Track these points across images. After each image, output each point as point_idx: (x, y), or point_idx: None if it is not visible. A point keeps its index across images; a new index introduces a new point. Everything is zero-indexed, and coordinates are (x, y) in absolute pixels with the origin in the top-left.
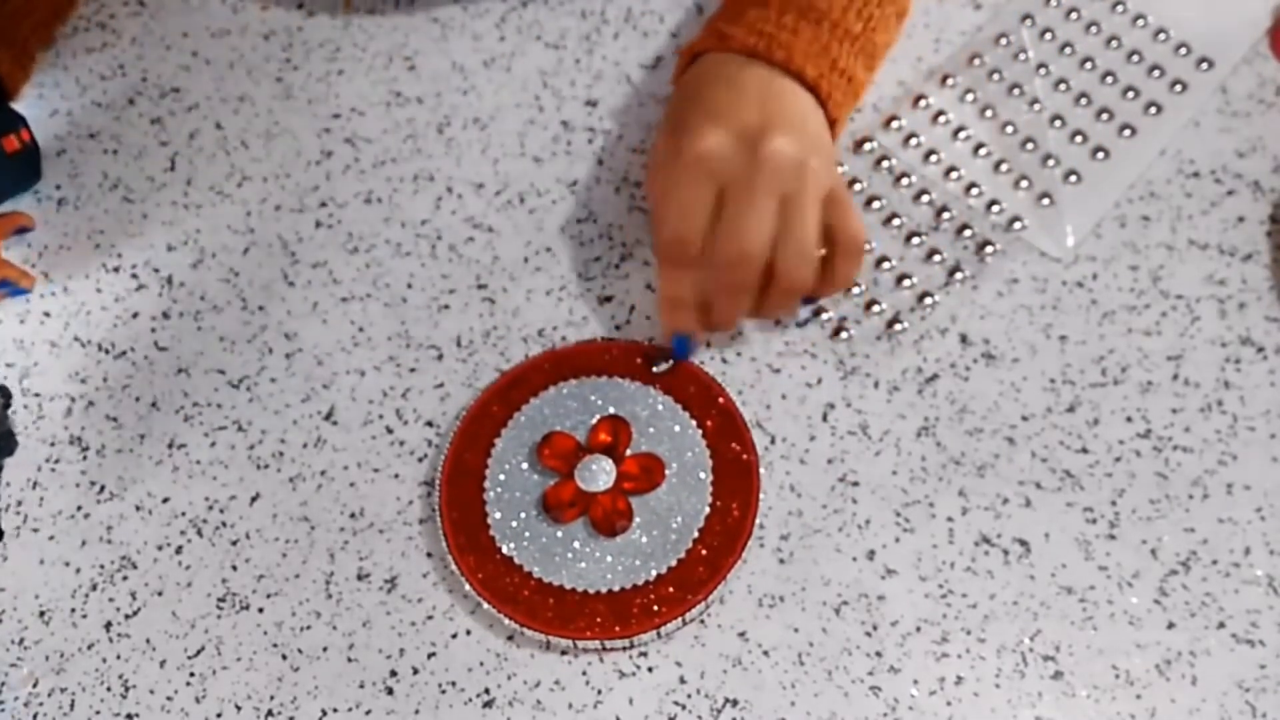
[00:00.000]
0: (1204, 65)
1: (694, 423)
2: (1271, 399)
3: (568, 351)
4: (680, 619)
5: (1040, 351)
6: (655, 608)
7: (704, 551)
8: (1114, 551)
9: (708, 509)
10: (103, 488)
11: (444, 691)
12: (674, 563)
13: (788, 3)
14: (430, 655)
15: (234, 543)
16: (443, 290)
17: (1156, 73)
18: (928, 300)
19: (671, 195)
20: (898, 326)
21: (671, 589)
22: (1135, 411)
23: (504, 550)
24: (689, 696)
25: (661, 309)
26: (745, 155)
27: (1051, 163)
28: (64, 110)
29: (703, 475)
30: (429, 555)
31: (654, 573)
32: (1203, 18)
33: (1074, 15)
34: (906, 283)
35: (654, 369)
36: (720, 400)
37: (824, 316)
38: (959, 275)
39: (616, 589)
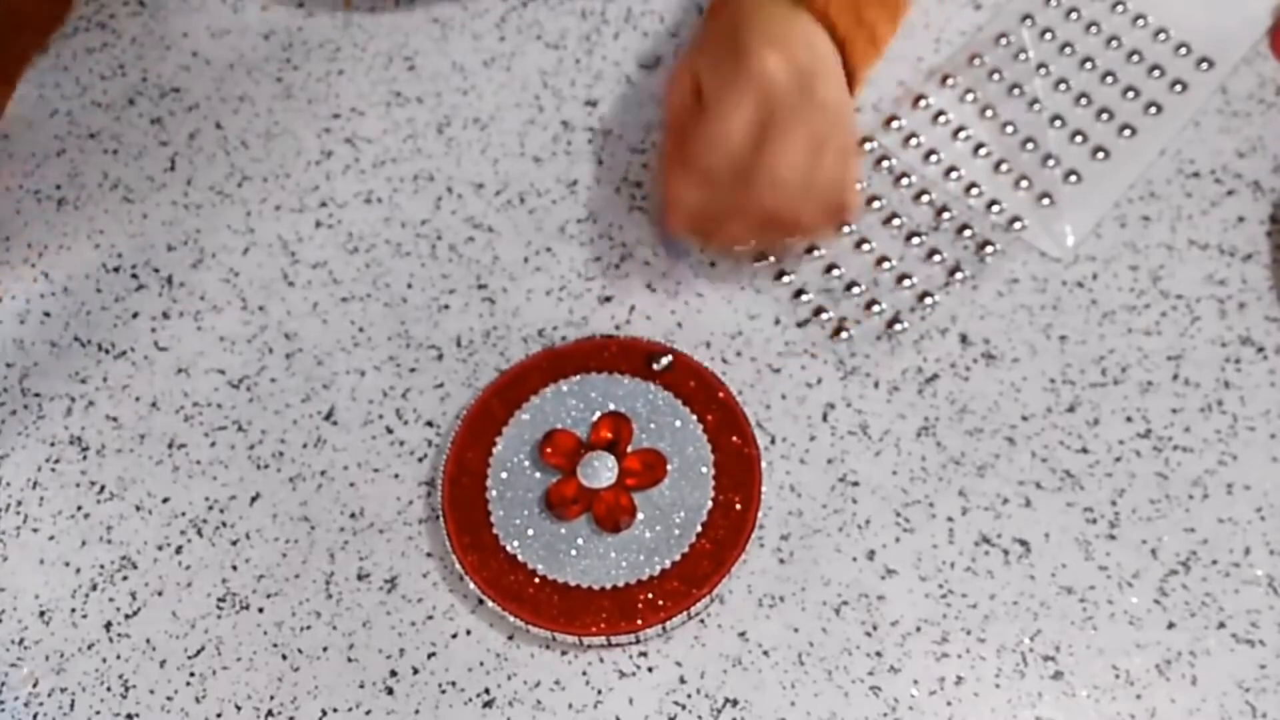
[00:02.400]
0: (1204, 65)
1: (694, 417)
2: (1271, 399)
3: (567, 349)
4: (685, 613)
5: (1040, 351)
6: (660, 602)
7: (708, 545)
8: (1114, 551)
9: (710, 503)
10: (103, 488)
11: (444, 691)
12: (678, 557)
13: None
14: (430, 655)
15: (234, 543)
16: (443, 290)
17: (1157, 73)
18: (928, 300)
19: (726, 104)
20: (898, 326)
21: (676, 583)
22: (1135, 411)
23: (508, 548)
24: (689, 696)
25: (665, 210)
26: (800, 89)
27: (1051, 163)
28: (64, 110)
29: (704, 470)
30: (429, 555)
31: (658, 567)
32: (1203, 18)
33: (1074, 15)
34: (906, 282)
35: (653, 366)
36: (720, 395)
37: (824, 316)
38: (959, 275)
39: (621, 584)
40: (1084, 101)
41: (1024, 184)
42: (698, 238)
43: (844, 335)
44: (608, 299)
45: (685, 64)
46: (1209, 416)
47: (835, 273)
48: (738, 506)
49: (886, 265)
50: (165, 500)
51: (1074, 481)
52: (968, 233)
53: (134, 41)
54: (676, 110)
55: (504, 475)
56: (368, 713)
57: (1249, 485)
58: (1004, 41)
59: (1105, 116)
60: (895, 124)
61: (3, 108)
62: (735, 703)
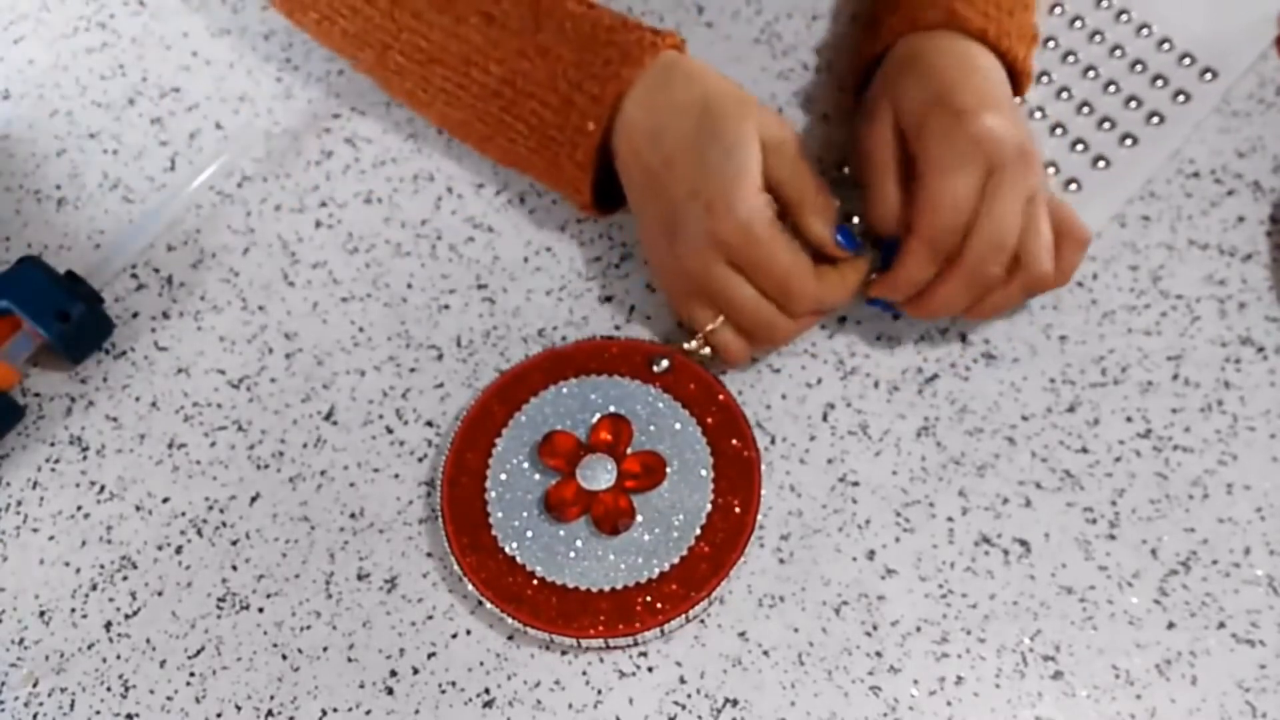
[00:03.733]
0: (1208, 75)
1: (694, 420)
2: (1271, 399)
3: (568, 350)
4: (684, 616)
5: (1040, 351)
6: (659, 605)
7: (706, 548)
8: (1114, 551)
9: (709, 506)
10: (103, 488)
11: (444, 691)
12: (677, 560)
13: None
14: (430, 655)
15: (234, 543)
16: (443, 290)
17: (1160, 82)
18: None
19: (951, 179)
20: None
21: (675, 586)
22: (1135, 411)
23: (506, 550)
24: (689, 696)
25: (889, 282)
26: (1014, 141)
27: (1053, 170)
28: (64, 110)
29: (704, 472)
30: (429, 555)
31: (657, 570)
32: (1207, 27)
33: (1077, 24)
34: None
35: (653, 368)
36: (720, 397)
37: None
38: None
39: (620, 587)
40: (1086, 110)
41: None
42: (906, 304)
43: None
44: (608, 299)
45: (884, 102)
46: (1209, 416)
47: None
48: (737, 509)
49: None
50: (165, 500)
51: (1074, 481)
52: None
53: (134, 41)
54: (881, 150)
55: (503, 476)
56: (368, 713)
57: (1249, 485)
58: None
59: (1107, 125)
60: None
61: None
62: (735, 703)
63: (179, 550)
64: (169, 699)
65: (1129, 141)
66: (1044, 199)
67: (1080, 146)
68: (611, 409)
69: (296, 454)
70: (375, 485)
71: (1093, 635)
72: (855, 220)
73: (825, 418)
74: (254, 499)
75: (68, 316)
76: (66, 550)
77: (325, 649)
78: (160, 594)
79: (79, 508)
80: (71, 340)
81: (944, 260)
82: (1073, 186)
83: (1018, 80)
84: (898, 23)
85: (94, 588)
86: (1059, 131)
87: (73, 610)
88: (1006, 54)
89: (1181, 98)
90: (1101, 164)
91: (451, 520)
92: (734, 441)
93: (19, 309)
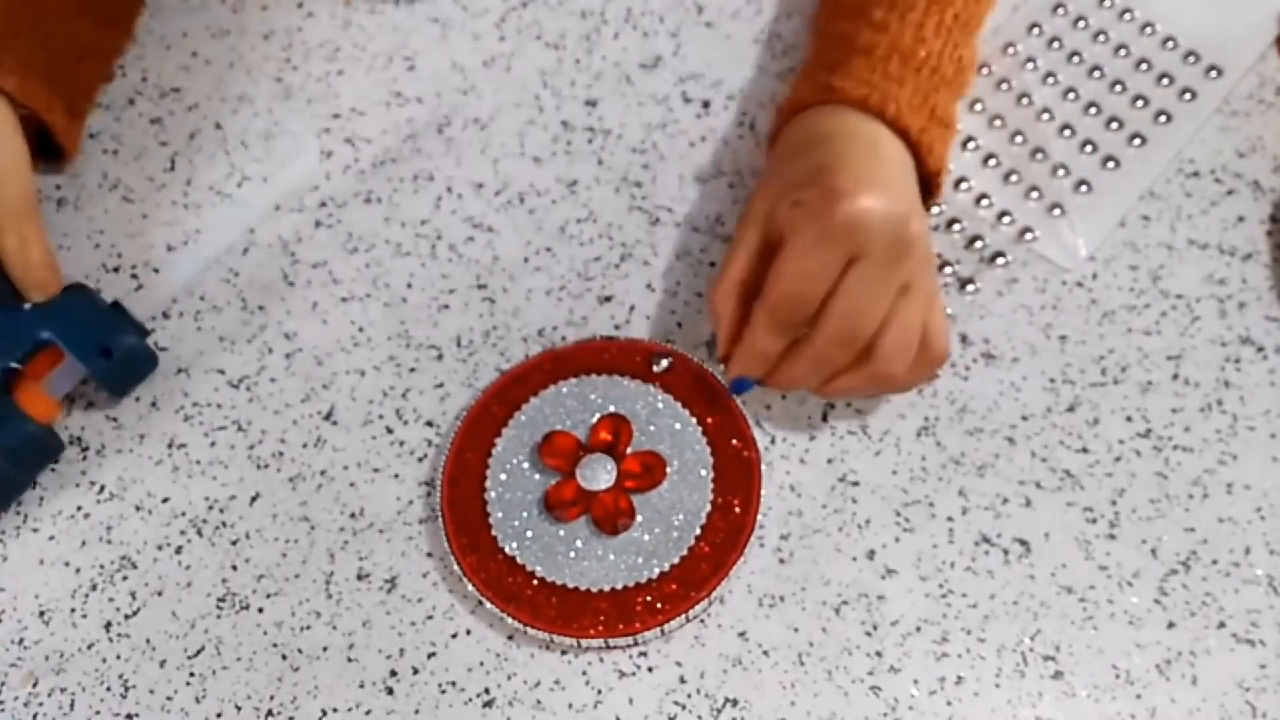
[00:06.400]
0: (1213, 73)
1: (694, 420)
2: (1271, 399)
3: (567, 351)
4: (684, 616)
5: (1040, 351)
6: (658, 605)
7: (706, 548)
8: (1114, 551)
9: (709, 506)
10: (103, 488)
11: (444, 691)
12: (676, 560)
13: (891, 49)
14: (430, 655)
15: (234, 543)
16: (443, 290)
17: (1165, 81)
18: None
19: (807, 255)
20: None
21: (674, 586)
22: (1135, 411)
23: (506, 550)
24: (689, 696)
25: (739, 355)
26: (890, 229)
27: (1061, 173)
28: None
29: (704, 472)
30: (429, 555)
31: (656, 570)
32: (1211, 25)
33: (1082, 23)
34: None
35: (653, 368)
36: (720, 397)
37: None
38: (970, 288)
39: (619, 587)
40: (1093, 110)
41: (1034, 194)
42: (765, 380)
43: None
44: (608, 299)
45: (761, 199)
46: (1209, 416)
47: None
48: (737, 509)
49: None
50: (165, 500)
51: (1074, 481)
52: (979, 244)
53: (134, 41)
54: (750, 250)
55: (503, 477)
56: (368, 713)
57: (1249, 485)
58: (1012, 50)
59: (1115, 125)
60: None
61: (76, 142)
62: (735, 703)
63: (179, 550)
64: (169, 699)
65: (1137, 141)
66: (927, 297)
67: (1090, 148)
68: (611, 409)
69: (296, 454)
70: (375, 485)
71: (1093, 635)
72: None
73: (825, 418)
74: (254, 499)
75: (110, 352)
76: (66, 550)
77: (325, 649)
78: (160, 594)
79: (79, 508)
80: (114, 376)
81: (794, 337)
82: (1083, 188)
83: (920, 157)
84: (785, 103)
85: (94, 588)
86: (1068, 133)
87: (73, 610)
88: (895, 123)
89: (1188, 95)
90: (1111, 164)
91: (451, 520)
92: (734, 441)
93: (61, 341)
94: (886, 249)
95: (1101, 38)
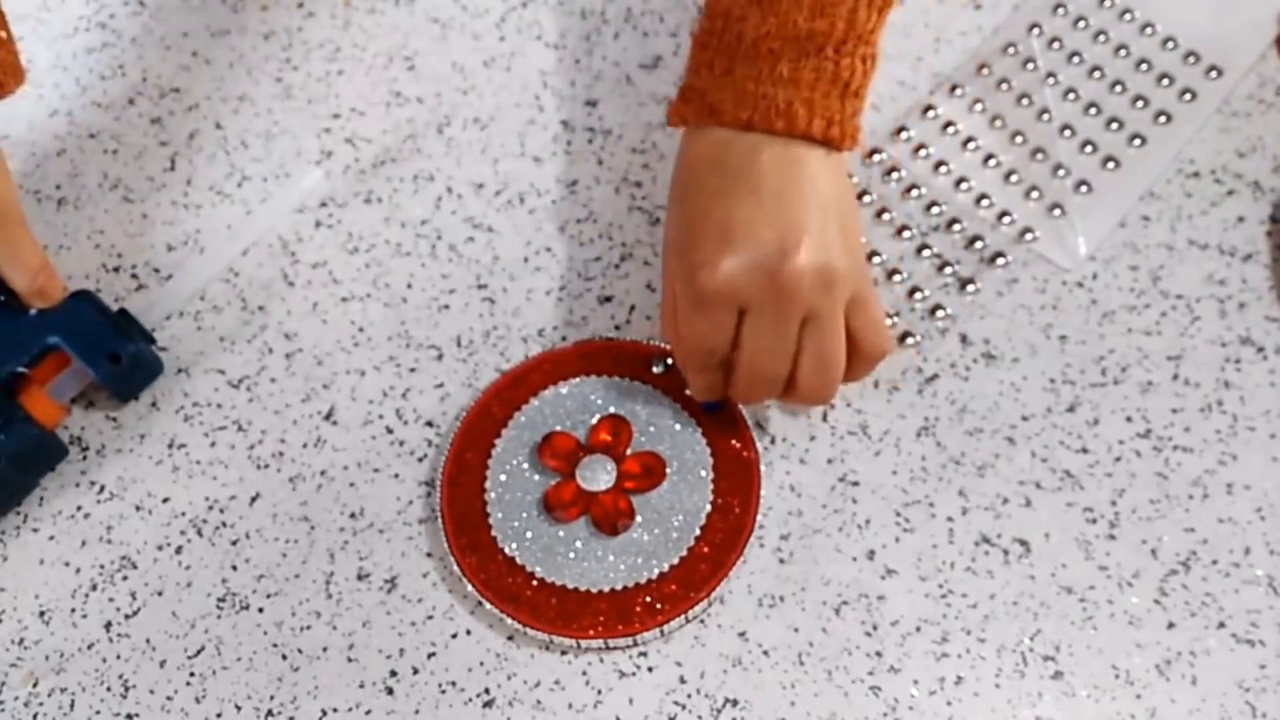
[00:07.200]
0: (1213, 73)
1: (694, 420)
2: (1271, 399)
3: (567, 351)
4: (683, 617)
5: (1040, 351)
6: (658, 606)
7: (706, 549)
8: (1114, 551)
9: (709, 506)
10: (103, 488)
11: (444, 691)
12: (676, 560)
13: (783, 43)
14: (430, 655)
15: (234, 543)
16: (443, 290)
17: (1165, 81)
18: (939, 314)
19: (694, 320)
20: (909, 340)
21: (674, 587)
22: (1135, 411)
23: (506, 550)
24: (689, 696)
25: (690, 389)
26: (764, 281)
27: (1062, 173)
28: (64, 110)
29: (703, 473)
30: (429, 555)
31: (656, 571)
32: (1211, 25)
33: (1082, 24)
34: (918, 295)
35: (653, 369)
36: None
37: None
38: (970, 288)
39: (619, 588)
40: (1093, 111)
41: (1035, 194)
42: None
43: None
44: (608, 299)
45: (665, 249)
46: (1209, 416)
47: None
48: (736, 510)
49: (898, 279)
50: (165, 500)
51: (1074, 481)
52: (979, 244)
53: (134, 41)
54: (670, 295)
55: (503, 477)
56: (368, 713)
57: (1249, 485)
58: (1012, 50)
59: (1115, 126)
60: (904, 135)
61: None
62: (735, 703)
63: (179, 550)
64: (169, 699)
65: (1138, 141)
66: (831, 319)
67: (1090, 148)
68: (611, 409)
69: (296, 454)
70: (375, 485)
71: (1093, 635)
72: None
73: (825, 418)
74: (254, 499)
75: (118, 358)
76: (66, 550)
77: (325, 649)
78: (160, 594)
79: (79, 508)
80: (122, 381)
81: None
82: (1083, 188)
83: (835, 146)
84: (672, 115)
85: (94, 588)
86: (1068, 133)
87: (73, 610)
88: (792, 131)
89: (1188, 96)
90: (1111, 164)
91: (451, 520)
92: (734, 441)
93: (68, 347)
94: (767, 299)
95: (1102, 38)
